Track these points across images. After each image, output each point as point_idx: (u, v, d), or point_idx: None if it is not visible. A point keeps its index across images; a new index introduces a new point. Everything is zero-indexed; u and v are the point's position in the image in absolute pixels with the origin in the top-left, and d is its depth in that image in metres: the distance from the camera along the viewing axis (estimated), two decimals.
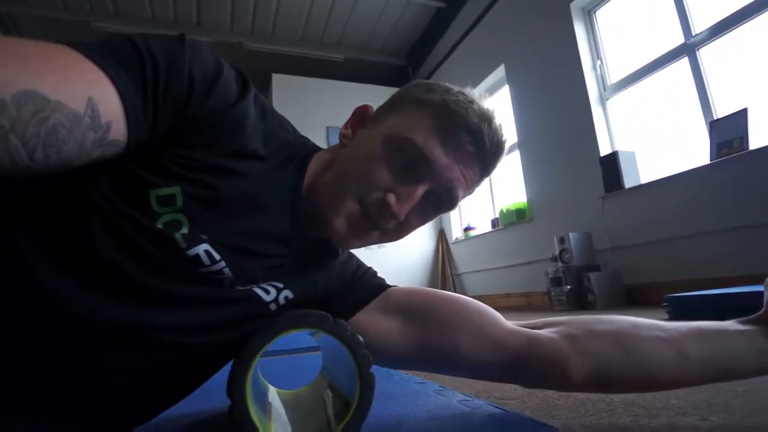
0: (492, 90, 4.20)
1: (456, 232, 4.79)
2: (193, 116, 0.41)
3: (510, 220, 3.75)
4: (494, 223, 4.08)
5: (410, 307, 0.58)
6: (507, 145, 0.53)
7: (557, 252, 2.87)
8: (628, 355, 0.50)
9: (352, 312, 0.58)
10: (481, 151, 0.50)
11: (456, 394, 0.67)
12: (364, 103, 0.57)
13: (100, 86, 0.35)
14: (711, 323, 0.52)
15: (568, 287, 2.71)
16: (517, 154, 3.68)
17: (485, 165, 0.52)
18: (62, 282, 0.40)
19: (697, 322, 0.53)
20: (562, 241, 2.84)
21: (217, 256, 0.45)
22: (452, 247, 4.82)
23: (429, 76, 4.92)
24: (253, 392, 0.44)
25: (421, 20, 4.69)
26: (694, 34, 2.37)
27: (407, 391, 0.72)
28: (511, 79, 3.75)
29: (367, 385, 0.44)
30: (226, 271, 0.46)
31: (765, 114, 2.11)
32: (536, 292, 3.35)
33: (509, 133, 0.54)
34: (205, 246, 0.44)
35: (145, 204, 0.41)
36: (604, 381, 0.51)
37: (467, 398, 0.64)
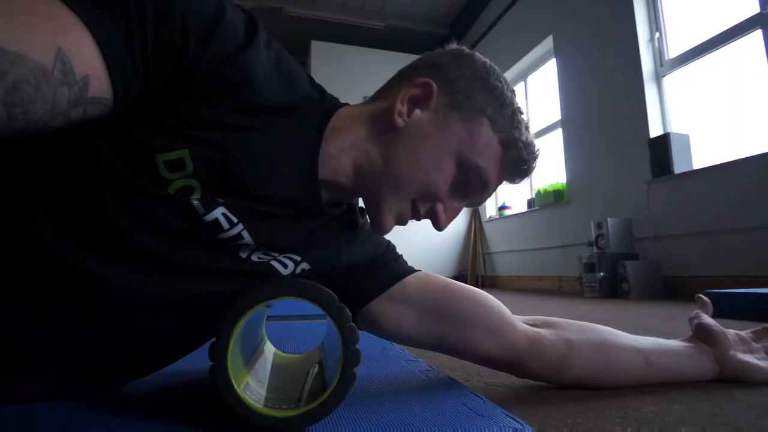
0: (538, 63, 3.99)
1: (490, 211, 4.67)
2: (193, 68, 0.37)
3: (547, 201, 3.61)
4: (530, 203, 3.94)
5: (430, 301, 0.59)
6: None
7: (593, 237, 2.73)
8: (610, 362, 0.61)
9: (371, 296, 0.58)
10: (517, 182, 0.57)
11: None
12: (426, 79, 0.50)
13: (72, 34, 0.31)
14: (664, 341, 0.65)
15: (602, 274, 2.59)
16: (559, 132, 3.50)
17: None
18: (72, 248, 0.39)
19: (657, 338, 0.65)
20: (599, 226, 2.70)
21: (235, 219, 0.44)
22: (485, 226, 4.71)
23: (473, 47, 4.70)
24: (242, 344, 0.44)
25: None
26: None
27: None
28: (559, 51, 3.52)
29: (345, 380, 0.41)
30: (245, 234, 0.45)
31: None
32: (569, 276, 3.23)
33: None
34: (222, 209, 0.42)
35: (153, 170, 0.39)
36: (588, 381, 0.61)
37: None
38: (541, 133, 3.87)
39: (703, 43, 2.44)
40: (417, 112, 0.50)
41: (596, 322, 0.66)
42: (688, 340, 0.65)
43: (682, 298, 2.26)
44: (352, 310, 0.56)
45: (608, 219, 2.64)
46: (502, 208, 4.41)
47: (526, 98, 4.17)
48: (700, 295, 0.70)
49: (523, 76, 4.20)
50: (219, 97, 0.40)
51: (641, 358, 0.60)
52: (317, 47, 4.74)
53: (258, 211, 0.45)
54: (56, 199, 0.39)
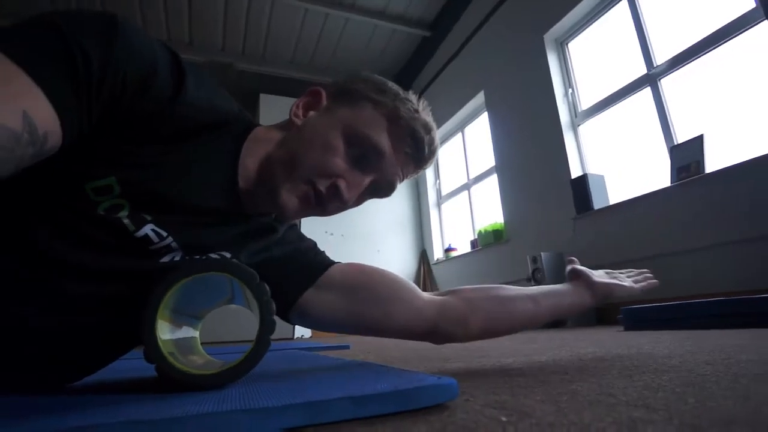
0: (473, 115, 4.35)
1: (437, 253, 4.84)
2: (130, 112, 0.41)
3: (488, 241, 3.81)
4: (474, 243, 4.14)
5: (351, 284, 0.65)
6: (438, 151, 0.64)
7: (530, 271, 2.92)
8: (506, 309, 0.69)
9: (304, 288, 0.63)
10: (419, 155, 0.60)
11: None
12: (316, 87, 0.59)
13: (30, 95, 0.33)
14: (551, 286, 0.75)
15: None
16: (494, 177, 3.78)
17: (419, 166, 0.61)
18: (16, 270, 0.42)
19: (544, 285, 0.75)
20: (534, 260, 2.90)
21: (164, 233, 0.48)
22: (434, 268, 4.85)
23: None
24: (174, 317, 0.48)
25: (407, 48, 4.87)
26: (655, 66, 2.52)
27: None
28: (489, 105, 3.89)
29: (262, 345, 0.45)
30: (174, 245, 0.49)
31: (719, 140, 2.23)
32: None
33: (440, 141, 0.62)
34: (150, 226, 0.47)
35: (81, 194, 0.42)
36: (491, 331, 0.69)
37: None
38: (479, 179, 4.16)
39: (607, 97, 2.82)
40: (311, 113, 0.57)
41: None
42: (566, 284, 0.77)
43: (612, 323, 2.45)
44: (288, 304, 0.62)
45: (542, 253, 2.85)
46: (448, 249, 4.58)
47: (464, 147, 4.50)
48: (571, 257, 0.85)
49: (460, 127, 4.55)
50: (152, 132, 0.44)
51: (531, 301, 0.70)
52: (266, 100, 4.90)
53: (185, 223, 0.50)
54: None
